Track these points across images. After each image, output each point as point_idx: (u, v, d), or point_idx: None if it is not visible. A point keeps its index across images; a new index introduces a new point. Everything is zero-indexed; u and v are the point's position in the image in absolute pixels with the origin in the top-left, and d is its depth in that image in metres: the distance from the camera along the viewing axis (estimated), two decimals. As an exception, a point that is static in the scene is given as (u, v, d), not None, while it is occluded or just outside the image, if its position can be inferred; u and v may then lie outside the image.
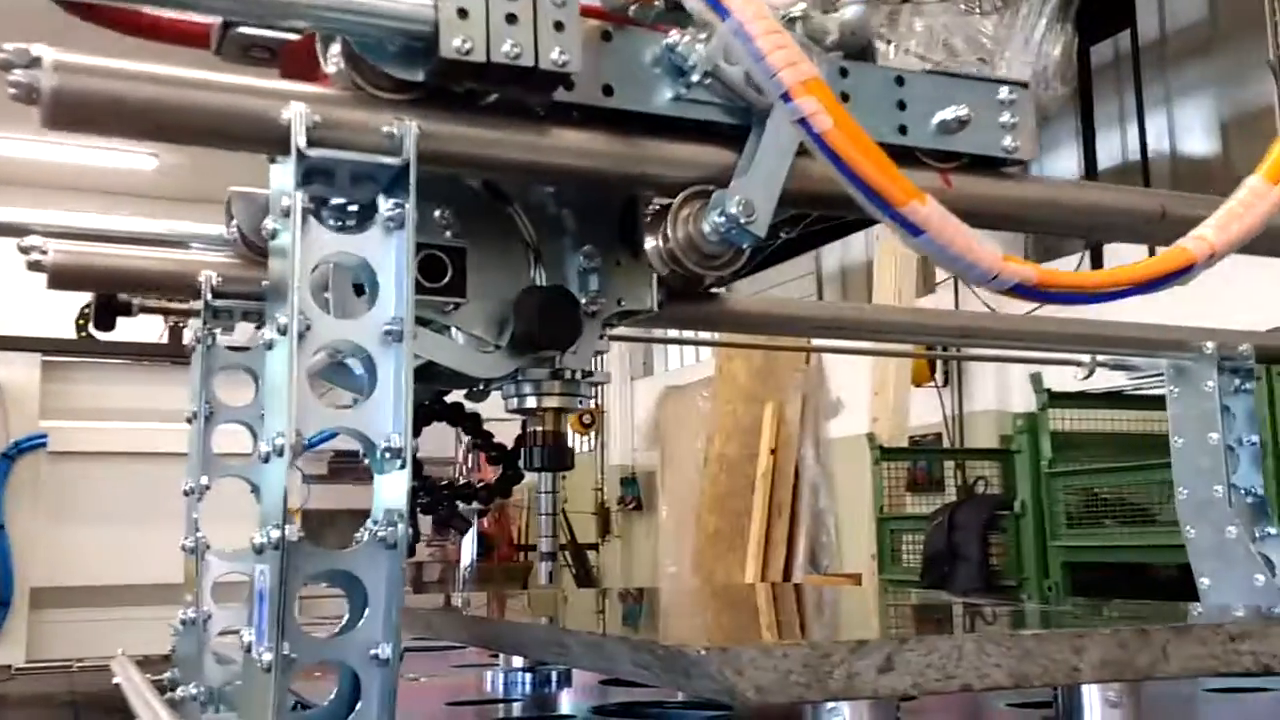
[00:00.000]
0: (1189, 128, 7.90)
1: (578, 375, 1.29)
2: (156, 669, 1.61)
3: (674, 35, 1.13)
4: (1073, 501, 6.05)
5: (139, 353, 6.02)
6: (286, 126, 0.98)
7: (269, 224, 1.02)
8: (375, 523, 1.00)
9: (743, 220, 1.09)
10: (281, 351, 0.98)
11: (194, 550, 1.40)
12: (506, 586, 10.41)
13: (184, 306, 1.57)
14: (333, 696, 0.99)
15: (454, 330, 1.22)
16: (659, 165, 1.16)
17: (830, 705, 0.82)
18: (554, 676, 1.72)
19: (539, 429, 1.31)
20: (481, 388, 1.34)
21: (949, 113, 1.24)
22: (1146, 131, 7.96)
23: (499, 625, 1.44)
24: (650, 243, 1.20)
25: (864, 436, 7.72)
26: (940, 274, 8.72)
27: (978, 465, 8.02)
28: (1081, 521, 5.99)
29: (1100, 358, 1.92)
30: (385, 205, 1.01)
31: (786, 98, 1.03)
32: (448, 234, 1.20)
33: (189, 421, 1.46)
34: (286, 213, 0.98)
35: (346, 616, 1.01)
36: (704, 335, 7.73)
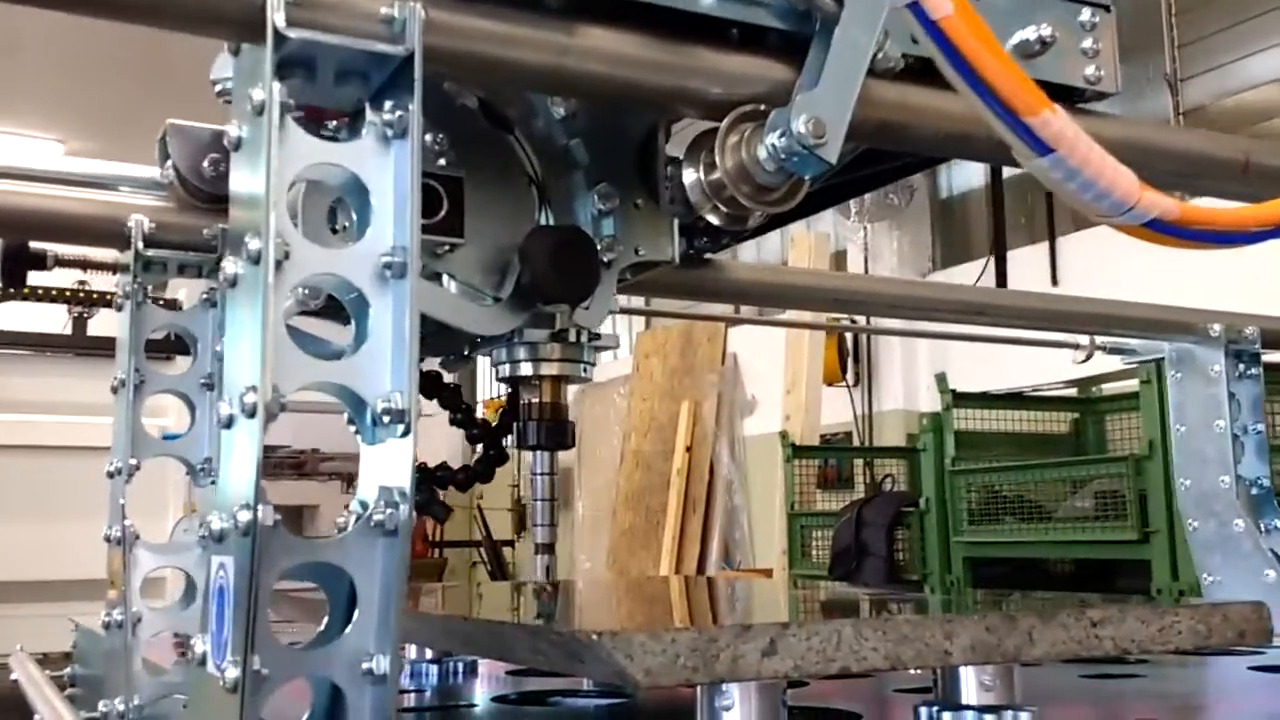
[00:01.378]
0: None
1: (582, 338, 1.08)
2: (56, 666, 1.49)
3: None
4: (974, 499, 6.04)
5: (40, 343, 5.61)
6: (261, 3, 0.75)
7: (233, 131, 0.79)
8: (365, 504, 0.77)
9: (811, 142, 0.89)
10: (251, 286, 0.75)
11: (120, 540, 1.14)
12: (419, 582, 10.08)
13: (109, 260, 1.31)
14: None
15: (445, 278, 1.00)
16: (702, 78, 0.95)
17: (722, 688, 0.81)
18: (461, 668, 1.57)
19: (535, 400, 1.09)
20: (466, 353, 1.12)
21: (1030, 32, 1.06)
22: (1053, 141, 8.00)
23: (404, 616, 1.23)
24: (690, 175, 0.99)
25: (777, 434, 7.69)
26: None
27: (886, 463, 8.06)
28: (982, 518, 5.98)
29: (1099, 341, 1.76)
30: (383, 109, 0.79)
31: None
32: (441, 161, 0.98)
33: (114, 391, 1.20)
34: (260, 110, 0.75)
35: (327, 620, 0.78)
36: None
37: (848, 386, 8.93)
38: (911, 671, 0.84)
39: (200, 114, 1.20)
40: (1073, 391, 7.00)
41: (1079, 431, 6.74)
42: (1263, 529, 1.68)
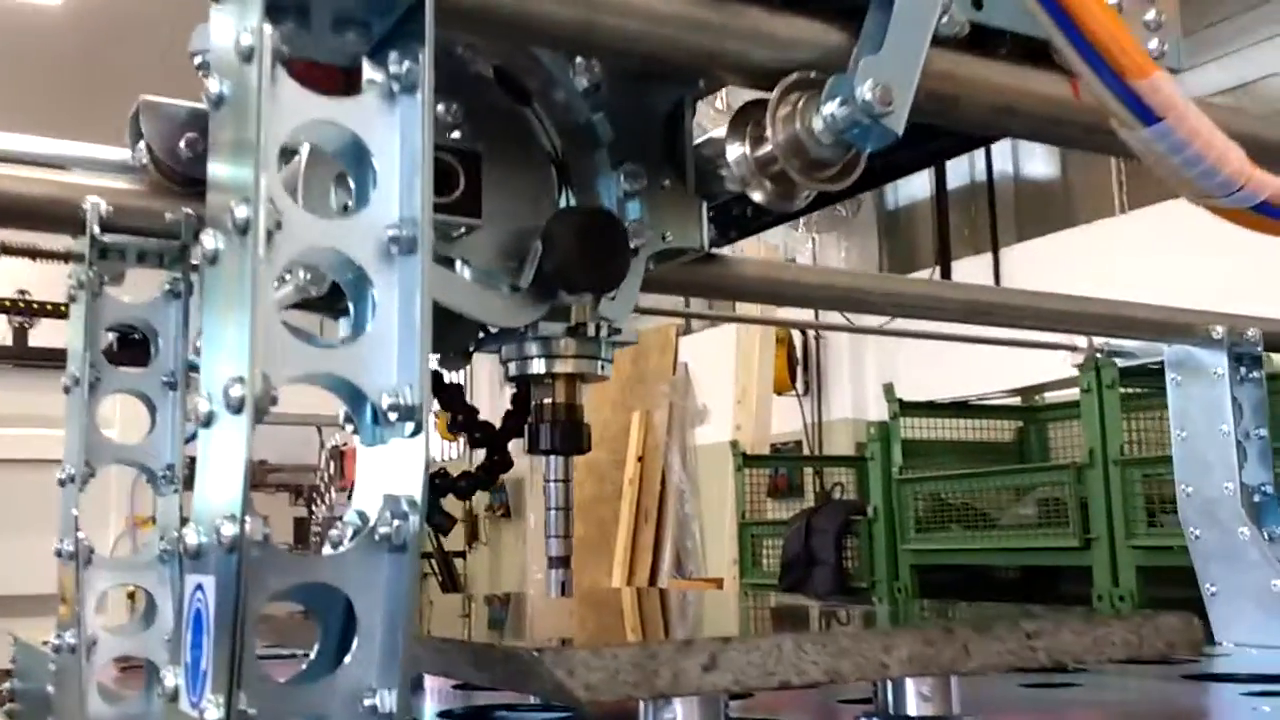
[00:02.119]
0: (1031, 152, 8.05)
1: (601, 332, 0.97)
2: None
3: None
4: (921, 507, 6.02)
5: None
6: (249, -72, 0.64)
7: (213, 87, 0.67)
8: (365, 516, 0.66)
9: (878, 110, 0.79)
10: (237, 261, 0.63)
11: (74, 555, 1.01)
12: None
13: (60, 249, 1.18)
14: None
15: (458, 264, 0.89)
16: (746, 40, 0.84)
17: (664, 702, 0.81)
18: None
19: (549, 400, 0.99)
20: (472, 349, 1.02)
21: None
22: (992, 154, 8.10)
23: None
24: (735, 150, 0.88)
25: (728, 444, 7.64)
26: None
27: (835, 472, 8.07)
28: (929, 526, 5.96)
29: (1097, 342, 1.68)
30: (387, 60, 0.67)
31: None
32: (455, 135, 0.86)
33: (67, 391, 1.07)
34: (249, 56, 0.63)
35: (318, 649, 0.66)
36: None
37: (798, 396, 8.90)
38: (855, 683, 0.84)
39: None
40: (1017, 400, 7.03)
41: (1023, 440, 6.77)
42: (1267, 537, 1.61)
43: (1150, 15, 1.00)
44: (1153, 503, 4.78)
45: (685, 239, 0.96)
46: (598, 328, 0.97)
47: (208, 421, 0.63)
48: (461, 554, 11.59)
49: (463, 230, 0.86)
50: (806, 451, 8.91)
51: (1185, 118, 0.74)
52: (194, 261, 1.11)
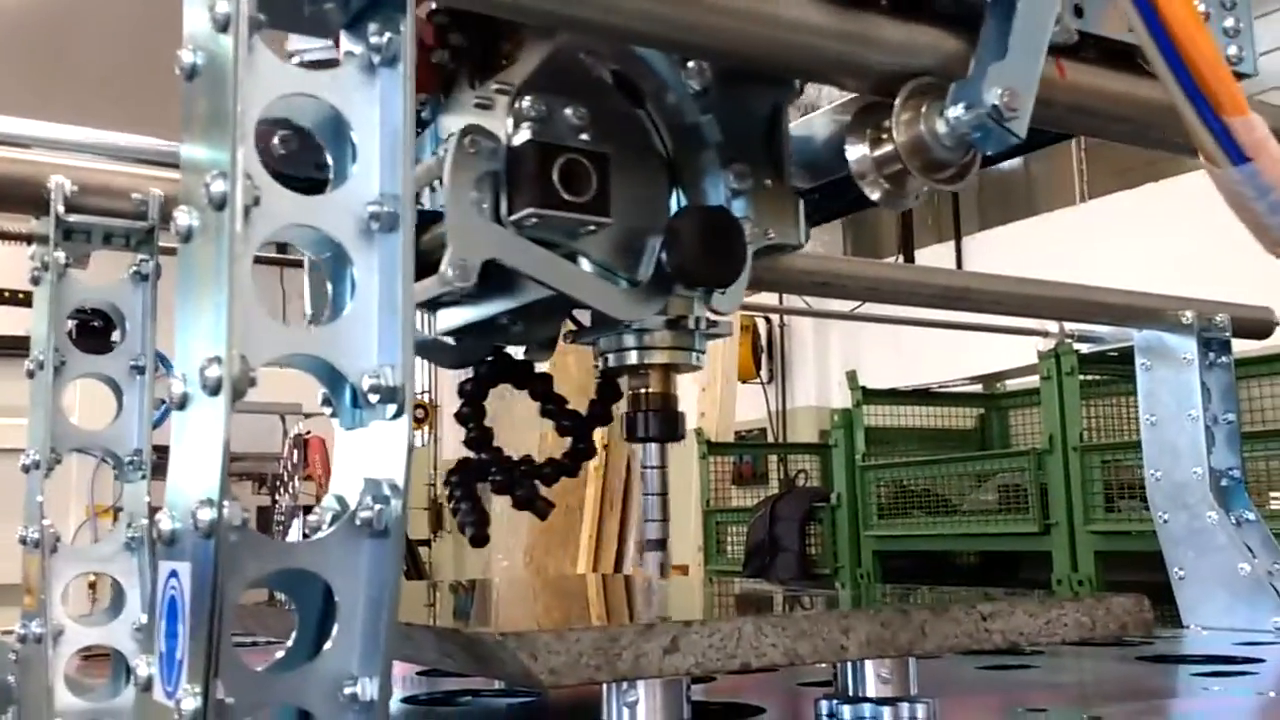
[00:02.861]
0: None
1: (701, 325, 0.99)
2: None
3: None
4: (884, 493, 6.07)
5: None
6: (224, -102, 0.61)
7: (185, 57, 0.65)
8: (344, 501, 0.64)
9: (1006, 115, 0.82)
10: (213, 237, 0.61)
11: (39, 543, 0.98)
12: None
13: (21, 230, 1.14)
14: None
15: (581, 259, 0.91)
16: (875, 49, 0.87)
17: (626, 685, 0.81)
18: None
19: (645, 390, 1.01)
20: (576, 339, 1.04)
21: None
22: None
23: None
24: (855, 150, 0.91)
25: (692, 431, 7.63)
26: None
27: (799, 459, 8.10)
28: (892, 512, 6.01)
29: (1068, 327, 1.68)
30: (366, 32, 0.65)
31: None
32: (583, 137, 0.88)
33: (31, 375, 1.04)
34: (224, 25, 0.61)
35: (297, 636, 0.64)
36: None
37: (762, 384, 8.92)
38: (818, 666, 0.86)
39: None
40: (978, 388, 7.07)
41: (984, 427, 6.82)
42: (1234, 521, 1.62)
43: (1230, 22, 1.02)
44: (1111, 488, 4.84)
45: (786, 236, 0.99)
46: (697, 320, 0.99)
47: (183, 404, 0.61)
48: (426, 542, 11.55)
49: (591, 228, 0.88)
50: (771, 439, 8.93)
51: (1277, 162, 0.74)
52: (162, 243, 1.08)
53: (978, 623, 0.89)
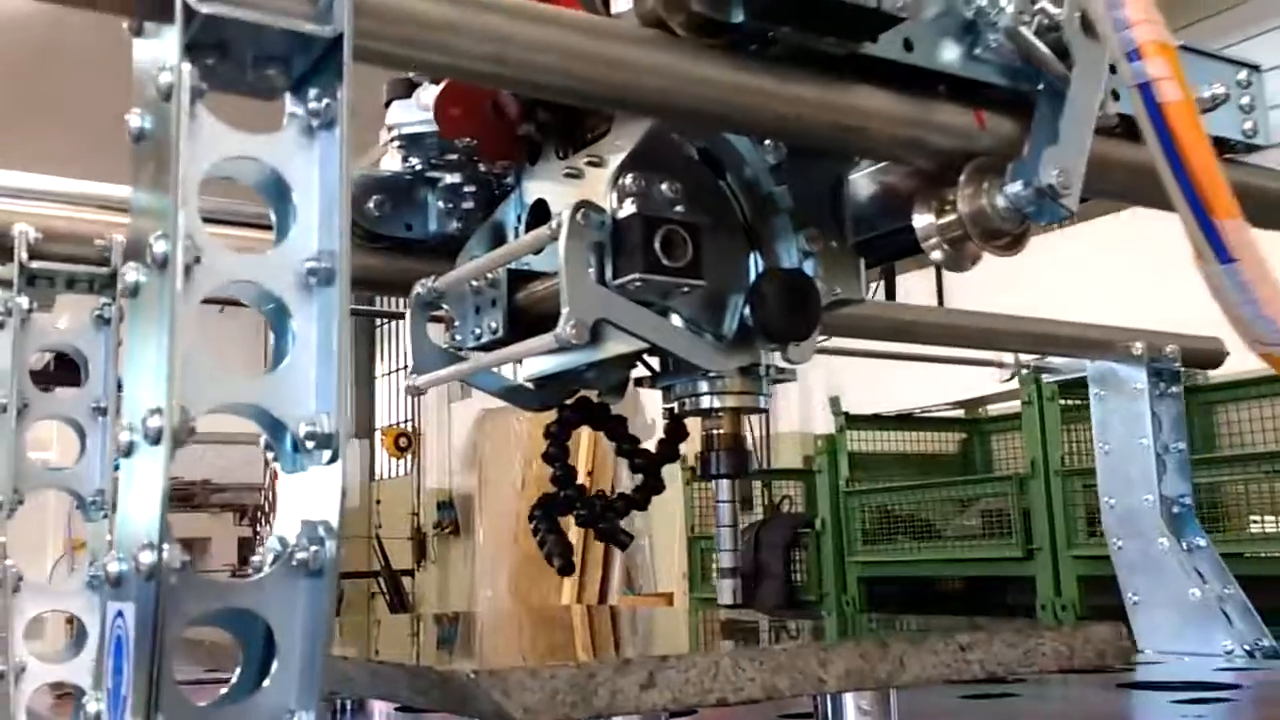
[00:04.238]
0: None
1: (769, 372, 1.08)
2: None
3: None
4: (868, 519, 6.09)
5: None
6: (167, -27, 0.65)
7: (134, 122, 0.69)
8: (285, 541, 0.67)
9: (1060, 192, 0.93)
10: (155, 295, 0.65)
11: (1, 582, 1.01)
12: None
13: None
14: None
15: (672, 316, 1.02)
16: (940, 132, 0.98)
17: None
18: (348, 706, 1.49)
19: (718, 431, 1.10)
20: (653, 385, 1.14)
21: (1205, 90, 1.11)
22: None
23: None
24: (923, 220, 1.01)
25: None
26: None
27: (783, 485, 8.06)
28: (876, 538, 6.04)
29: (1024, 358, 1.73)
30: (308, 98, 0.69)
31: (1134, 55, 0.84)
32: (678, 209, 0.98)
33: (-6, 418, 1.08)
34: (167, 95, 0.65)
35: (240, 672, 0.68)
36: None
37: (746, 410, 8.91)
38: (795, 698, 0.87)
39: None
40: (960, 413, 7.09)
41: (966, 452, 6.83)
42: (1185, 547, 1.66)
43: (1245, 100, 1.16)
44: (1093, 512, 4.88)
45: (850, 291, 1.09)
46: (766, 368, 1.08)
47: (128, 451, 0.65)
48: (410, 572, 11.52)
49: (685, 289, 0.98)
50: (754, 465, 8.94)
51: (1256, 264, 0.80)
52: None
53: (956, 653, 0.90)
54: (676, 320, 1.04)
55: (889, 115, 0.95)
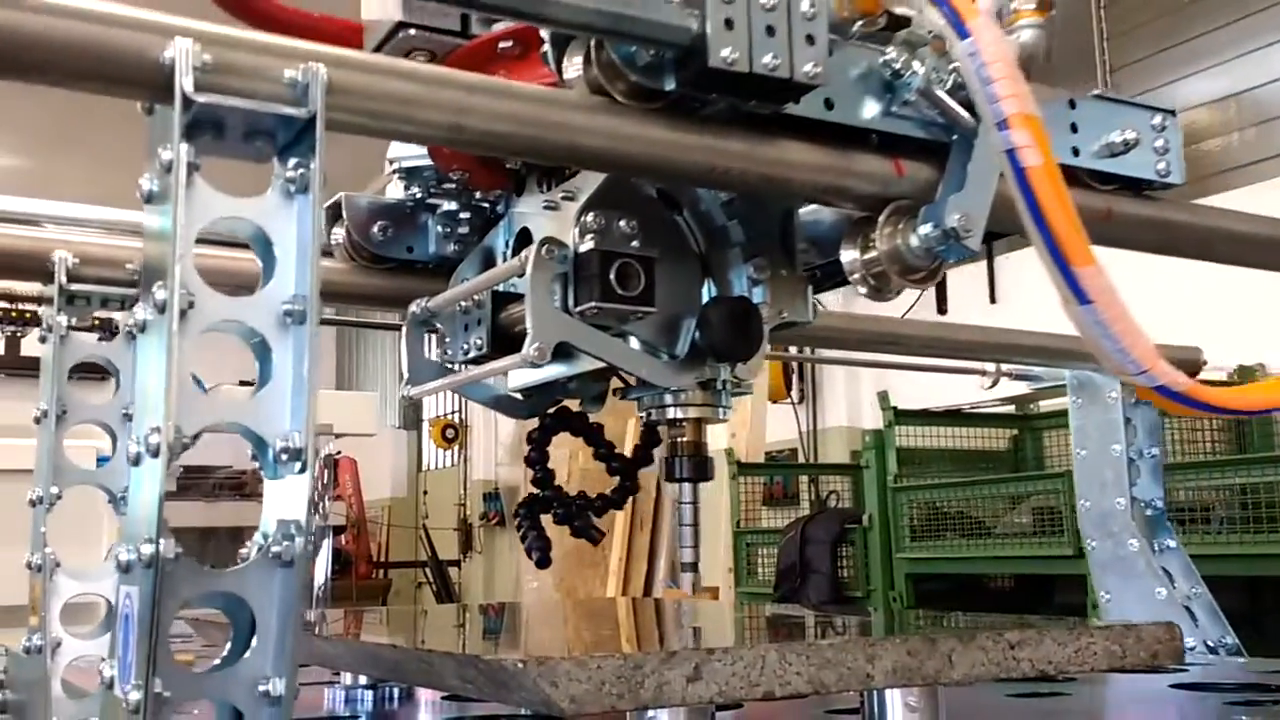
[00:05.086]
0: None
1: (726, 386, 1.21)
2: None
3: (891, 52, 1.11)
4: (916, 515, 6.13)
5: (-27, 363, 5.59)
6: (170, 67, 0.81)
7: (145, 184, 0.85)
8: (266, 536, 0.83)
9: (962, 235, 1.06)
10: (158, 333, 0.80)
11: (41, 568, 1.19)
12: (362, 605, 10.03)
13: (32, 293, 1.36)
14: (211, 742, 0.82)
15: (630, 338, 1.16)
16: (861, 179, 1.11)
17: (650, 714, 0.83)
18: (396, 693, 1.60)
19: (682, 439, 1.24)
20: (625, 397, 1.28)
21: (1117, 135, 1.23)
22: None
23: (334, 643, 1.32)
24: (849, 255, 1.15)
25: (723, 451, 7.72)
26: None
27: (830, 480, 8.11)
28: (924, 534, 6.07)
29: (1005, 367, 1.85)
30: (287, 166, 0.85)
31: (1003, 125, 0.98)
32: (634, 244, 1.13)
33: (37, 422, 1.25)
34: (168, 168, 0.81)
35: (229, 646, 0.83)
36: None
37: (793, 404, 9.01)
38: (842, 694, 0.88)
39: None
40: (1011, 409, 7.10)
41: (1017, 448, 6.81)
42: (1156, 548, 1.77)
43: (1159, 143, 1.28)
44: None
45: (798, 314, 1.23)
46: (724, 382, 1.21)
47: (136, 461, 0.81)
48: (456, 562, 11.77)
49: (639, 315, 1.12)
50: (802, 459, 9.02)
51: (1110, 305, 0.93)
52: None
53: (1005, 651, 0.90)
54: (635, 342, 1.17)
55: (813, 165, 1.08)
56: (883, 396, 6.39)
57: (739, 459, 7.54)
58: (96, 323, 1.32)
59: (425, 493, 13.45)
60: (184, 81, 0.80)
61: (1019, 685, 1.45)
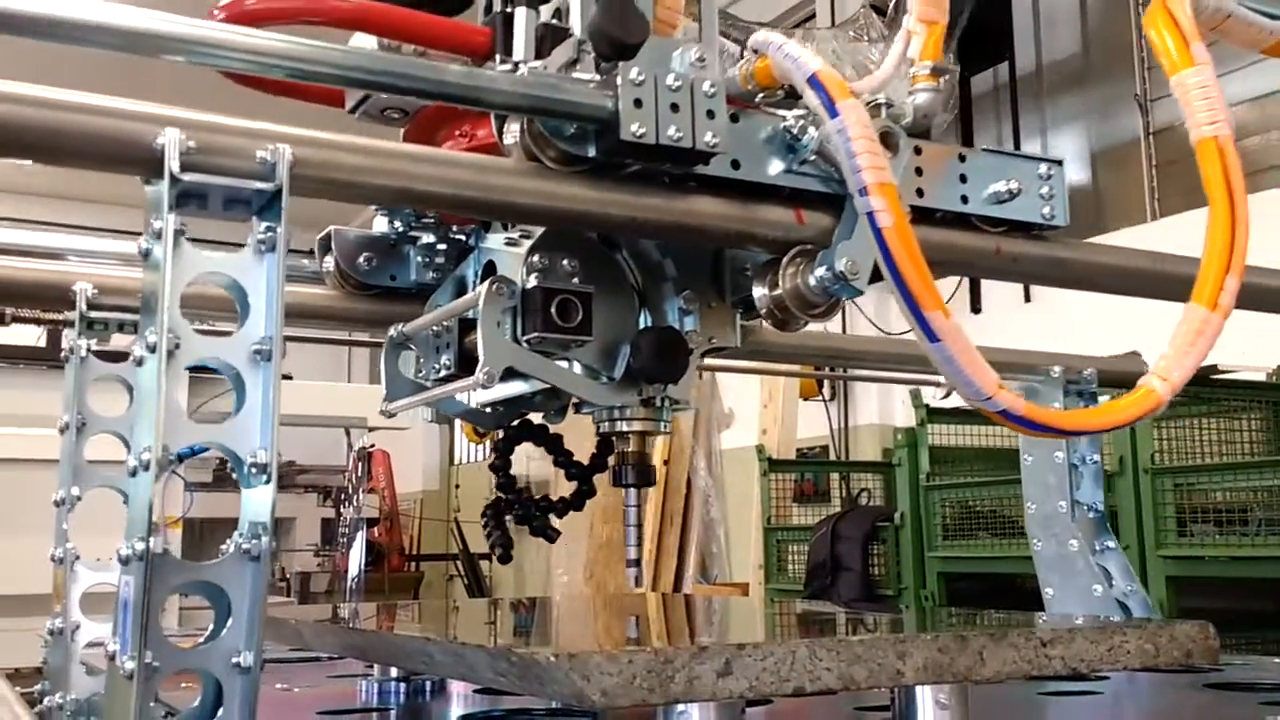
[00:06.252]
0: (1061, 155, 8.21)
1: (667, 403, 1.40)
2: (28, 681, 1.59)
3: (790, 117, 1.29)
4: (949, 514, 6.23)
5: (12, 356, 5.88)
6: (161, 150, 1.01)
7: (142, 243, 1.05)
8: (240, 535, 1.03)
9: (849, 277, 1.25)
10: (151, 368, 1.00)
11: (63, 561, 1.40)
12: (394, 597, 10.30)
13: (59, 317, 1.57)
14: (196, 704, 1.02)
15: (572, 363, 1.36)
16: (766, 227, 1.31)
17: (680, 708, 0.89)
18: (428, 686, 1.73)
19: (627, 449, 1.42)
20: (579, 411, 1.46)
21: (1002, 185, 1.41)
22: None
23: (367, 636, 1.48)
24: (758, 291, 1.35)
25: (754, 448, 7.83)
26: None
27: (862, 477, 8.20)
28: (957, 533, 6.17)
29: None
30: (258, 228, 1.05)
31: (864, 192, 1.16)
32: (574, 280, 1.32)
33: (61, 432, 1.46)
34: (159, 234, 1.01)
35: (211, 626, 1.03)
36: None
37: (824, 401, 9.14)
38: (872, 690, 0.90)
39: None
40: (1046, 407, 7.13)
41: (1052, 446, 6.84)
42: (1096, 549, 1.94)
43: (1045, 190, 1.47)
44: (1184, 512, 4.93)
45: (725, 340, 1.42)
46: (662, 400, 1.40)
47: (133, 473, 1.01)
48: (487, 556, 12.02)
49: (578, 344, 1.31)
50: (833, 457, 9.14)
51: (955, 342, 1.11)
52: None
53: (1037, 649, 0.92)
54: (577, 366, 1.37)
55: (722, 216, 1.28)
56: (915, 394, 6.44)
57: (770, 455, 7.64)
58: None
59: (457, 486, 13.73)
60: (172, 164, 1.01)
61: (1053, 683, 1.50)
